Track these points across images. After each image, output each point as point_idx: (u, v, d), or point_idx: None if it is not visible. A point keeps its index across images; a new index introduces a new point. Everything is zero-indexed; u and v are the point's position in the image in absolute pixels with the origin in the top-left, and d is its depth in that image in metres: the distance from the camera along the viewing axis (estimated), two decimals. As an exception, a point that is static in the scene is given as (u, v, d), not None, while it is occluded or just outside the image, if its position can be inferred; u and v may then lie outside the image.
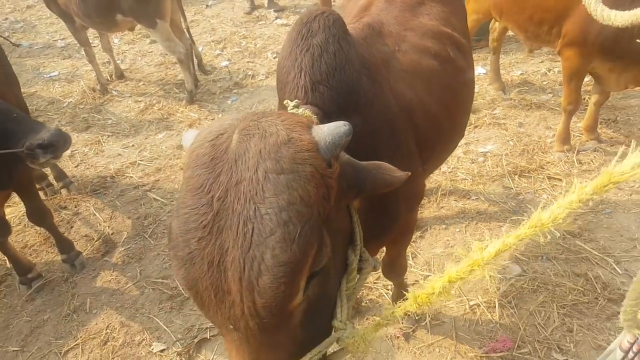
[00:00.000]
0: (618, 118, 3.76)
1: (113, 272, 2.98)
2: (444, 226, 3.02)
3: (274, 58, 5.31)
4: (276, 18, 6.21)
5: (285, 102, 1.25)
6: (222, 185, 0.85)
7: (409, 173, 1.05)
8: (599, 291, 2.48)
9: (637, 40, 2.32)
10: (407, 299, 1.06)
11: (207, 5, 6.94)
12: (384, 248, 2.07)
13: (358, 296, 2.57)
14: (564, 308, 2.44)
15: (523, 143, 3.64)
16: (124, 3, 4.00)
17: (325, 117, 1.27)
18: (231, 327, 0.86)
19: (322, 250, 0.89)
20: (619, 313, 2.45)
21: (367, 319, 2.52)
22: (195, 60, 4.64)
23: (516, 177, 3.33)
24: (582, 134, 3.59)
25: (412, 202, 1.78)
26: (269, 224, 0.81)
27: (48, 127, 2.24)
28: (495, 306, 2.50)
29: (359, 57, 1.44)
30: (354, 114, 1.34)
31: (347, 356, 1.12)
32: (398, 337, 2.40)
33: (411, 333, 2.41)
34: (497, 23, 4.01)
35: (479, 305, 2.51)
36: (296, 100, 1.23)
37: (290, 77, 1.27)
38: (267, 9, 6.43)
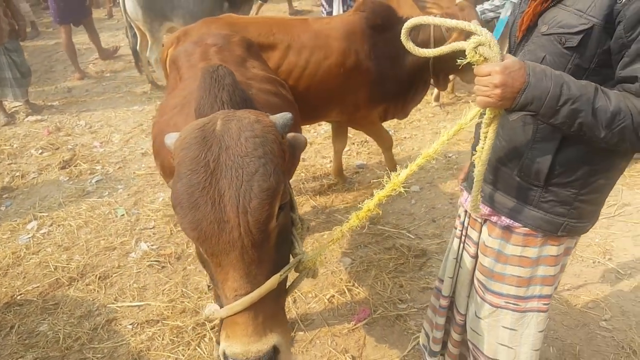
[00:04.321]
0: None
1: None
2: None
3: (40, 154, 4.95)
4: (27, 116, 5.75)
5: None
6: (215, 152, 1.18)
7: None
8: (407, 253, 3.26)
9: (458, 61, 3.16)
10: (349, 220, 1.46)
11: None
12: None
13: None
14: (391, 273, 3.12)
15: (311, 172, 4.40)
16: None
17: None
18: (229, 250, 1.14)
19: (285, 189, 1.27)
20: (424, 263, 3.24)
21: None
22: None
23: (317, 197, 4.02)
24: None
25: None
26: (253, 166, 1.16)
27: None
28: (345, 292, 3.01)
29: None
30: None
31: (302, 281, 1.48)
32: (284, 346, 2.65)
33: (292, 338, 2.71)
34: None
35: (333, 296, 2.99)
36: None
37: (213, 110, 1.53)
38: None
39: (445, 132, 1.46)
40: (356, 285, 3.06)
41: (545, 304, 1.66)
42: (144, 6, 5.96)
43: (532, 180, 1.48)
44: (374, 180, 4.17)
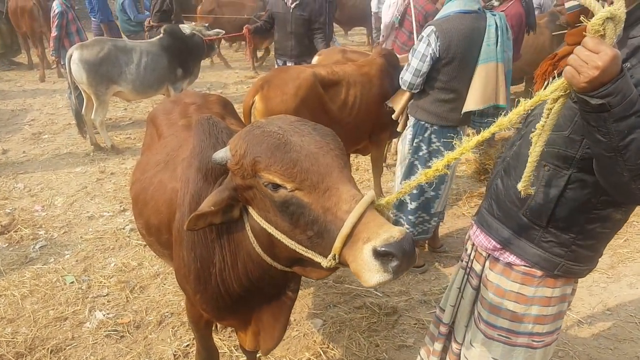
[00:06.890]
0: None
1: None
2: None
3: (-27, 219, 4.55)
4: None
5: None
6: (275, 125, 1.42)
7: None
8: (378, 312, 3.30)
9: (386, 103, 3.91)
10: (418, 177, 1.47)
11: None
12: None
13: None
14: (365, 333, 3.13)
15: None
16: None
17: None
18: (331, 170, 1.33)
19: None
20: (395, 321, 3.30)
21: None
22: None
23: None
24: None
25: None
26: (308, 125, 1.44)
27: None
28: (320, 354, 2.97)
29: None
30: None
31: None
32: (265, 414, 2.54)
33: (272, 406, 2.60)
34: None
35: (309, 359, 2.93)
36: None
37: (216, 150, 1.58)
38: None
39: (523, 102, 1.32)
40: (331, 346, 3.03)
41: (535, 341, 1.77)
42: (89, 69, 5.90)
43: (536, 220, 1.63)
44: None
